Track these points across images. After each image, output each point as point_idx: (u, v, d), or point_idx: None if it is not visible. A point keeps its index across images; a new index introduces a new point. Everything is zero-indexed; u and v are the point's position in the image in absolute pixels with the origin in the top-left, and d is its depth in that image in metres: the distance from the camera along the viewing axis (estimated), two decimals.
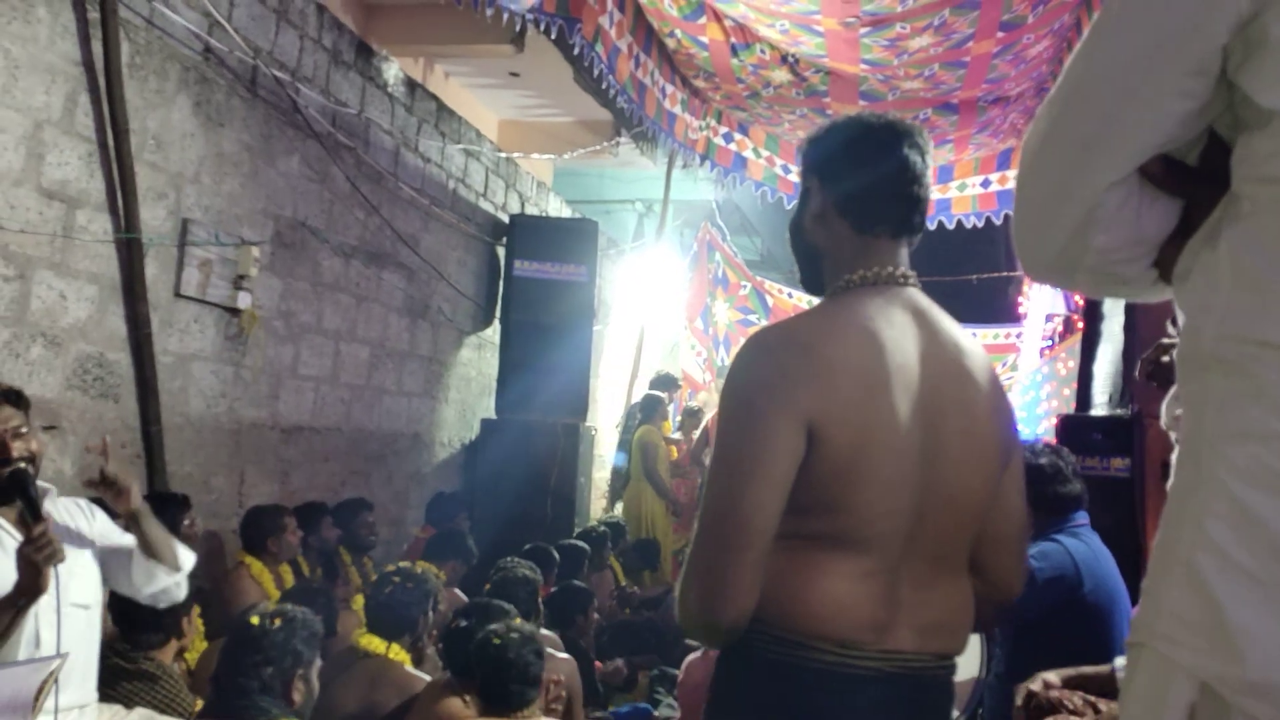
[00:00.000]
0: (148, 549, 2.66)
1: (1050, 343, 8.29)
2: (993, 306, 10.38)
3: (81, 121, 4.08)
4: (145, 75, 4.37)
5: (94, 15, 4.06)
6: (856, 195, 1.65)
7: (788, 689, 1.50)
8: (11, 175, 3.79)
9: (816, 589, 1.49)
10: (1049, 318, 8.32)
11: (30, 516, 2.41)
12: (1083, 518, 3.11)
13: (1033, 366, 8.61)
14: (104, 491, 2.59)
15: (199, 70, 4.68)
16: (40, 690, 2.25)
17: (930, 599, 1.56)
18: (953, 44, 5.58)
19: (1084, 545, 3.02)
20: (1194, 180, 0.96)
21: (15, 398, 2.55)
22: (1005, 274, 10.13)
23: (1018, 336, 9.90)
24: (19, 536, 2.48)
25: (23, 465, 2.47)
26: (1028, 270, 1.10)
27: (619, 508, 8.40)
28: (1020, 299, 9.60)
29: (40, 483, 2.55)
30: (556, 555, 5.49)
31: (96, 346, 4.19)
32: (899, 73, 5.99)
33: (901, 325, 1.58)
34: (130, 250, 4.27)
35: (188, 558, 2.81)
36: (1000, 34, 5.44)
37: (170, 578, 2.74)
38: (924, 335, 1.59)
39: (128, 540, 2.71)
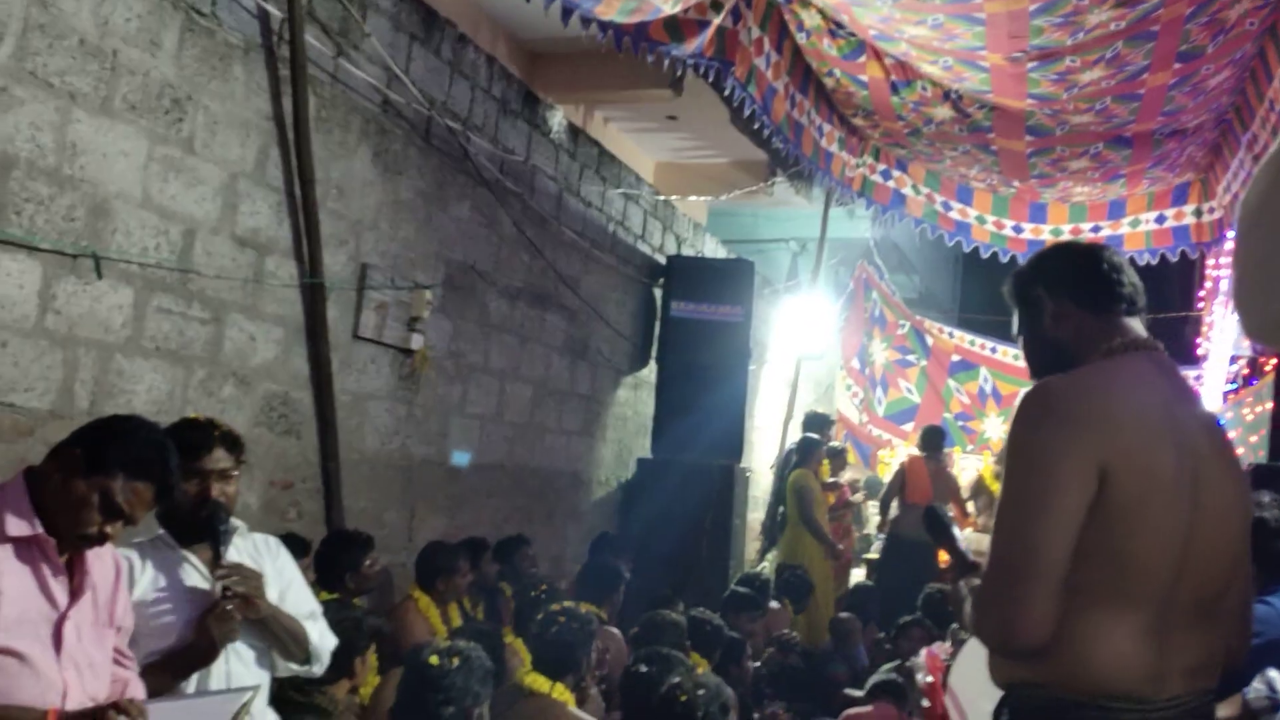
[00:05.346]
0: (280, 650, 2.66)
1: (1235, 386, 7.86)
2: (1168, 348, 9.88)
3: (272, 173, 4.32)
4: (330, 128, 4.60)
5: (284, 73, 4.30)
6: (1086, 287, 1.86)
7: None
8: (209, 224, 4.03)
9: (1105, 649, 1.62)
10: (1233, 359, 7.89)
11: (214, 553, 2.50)
12: None
13: (1215, 412, 8.16)
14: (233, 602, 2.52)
15: (378, 122, 4.90)
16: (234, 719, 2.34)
17: (1190, 642, 1.67)
18: (1126, 76, 5.37)
19: None
20: None
21: (230, 441, 2.60)
22: (1182, 314, 9.62)
23: (1197, 379, 9.41)
24: (210, 576, 2.58)
25: (219, 500, 2.54)
26: (1248, 331, 1.06)
27: (770, 557, 8.23)
28: (1199, 340, 9.13)
29: (233, 520, 2.61)
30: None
31: (282, 385, 4.40)
32: (1068, 106, 5.80)
33: (1160, 384, 1.74)
34: (314, 294, 4.48)
35: (325, 646, 2.75)
36: (1177, 65, 5.21)
37: (303, 668, 2.72)
38: (1177, 392, 1.75)
39: (296, 608, 2.72)
